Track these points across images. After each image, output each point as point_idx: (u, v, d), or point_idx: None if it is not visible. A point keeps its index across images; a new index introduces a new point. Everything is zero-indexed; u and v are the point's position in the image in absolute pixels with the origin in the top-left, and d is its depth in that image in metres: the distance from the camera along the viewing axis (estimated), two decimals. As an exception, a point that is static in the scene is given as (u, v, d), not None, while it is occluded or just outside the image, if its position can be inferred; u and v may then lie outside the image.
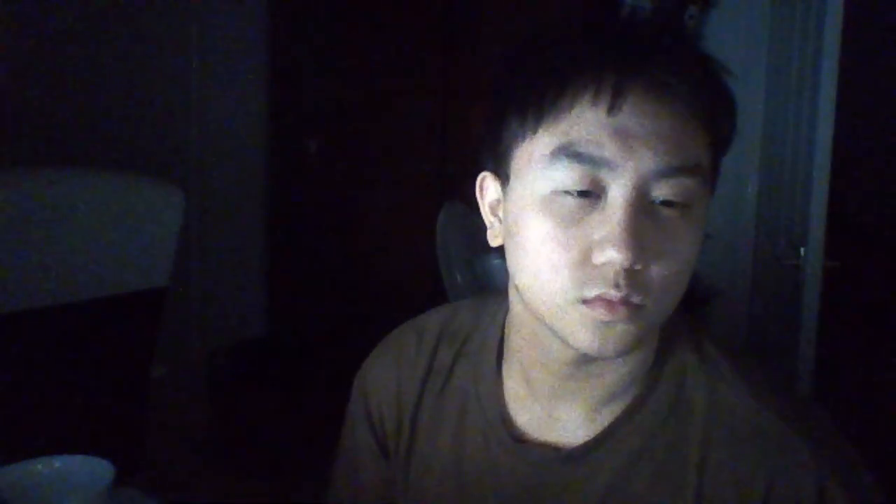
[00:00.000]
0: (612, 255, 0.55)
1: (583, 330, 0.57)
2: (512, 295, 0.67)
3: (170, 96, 2.56)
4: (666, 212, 0.57)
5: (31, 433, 1.31)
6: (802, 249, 1.89)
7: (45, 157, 2.09)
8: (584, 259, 0.56)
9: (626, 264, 0.55)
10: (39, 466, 0.87)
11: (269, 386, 2.64)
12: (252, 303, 2.91)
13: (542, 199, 0.58)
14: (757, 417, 0.60)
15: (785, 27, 2.16)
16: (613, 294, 0.56)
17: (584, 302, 0.57)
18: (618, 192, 0.56)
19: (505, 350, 0.71)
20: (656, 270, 0.56)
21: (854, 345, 2.67)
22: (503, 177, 0.63)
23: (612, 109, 0.56)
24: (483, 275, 1.68)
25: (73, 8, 2.29)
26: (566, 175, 0.57)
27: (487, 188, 0.67)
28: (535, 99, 0.58)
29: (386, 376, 0.76)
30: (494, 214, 0.66)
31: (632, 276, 0.55)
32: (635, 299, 0.56)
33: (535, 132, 0.58)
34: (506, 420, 0.68)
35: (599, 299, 0.56)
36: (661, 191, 0.57)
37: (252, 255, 2.91)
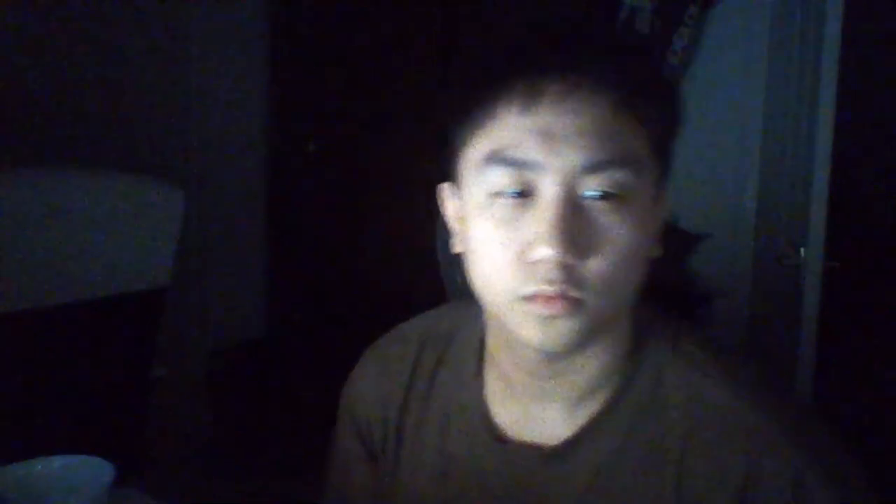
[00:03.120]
0: (543, 252, 0.57)
1: (527, 326, 0.59)
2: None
3: (170, 96, 2.56)
4: (599, 206, 0.58)
5: (31, 433, 1.31)
6: (802, 249, 1.89)
7: (45, 157, 2.09)
8: (521, 258, 0.58)
9: (557, 259, 0.56)
10: (39, 466, 0.87)
11: (269, 386, 2.64)
12: (252, 303, 2.91)
13: (480, 202, 0.61)
14: (735, 411, 0.61)
15: (785, 27, 2.16)
16: (550, 290, 0.57)
17: (525, 299, 0.58)
18: (546, 190, 0.58)
19: (486, 353, 0.72)
20: (594, 264, 0.58)
21: (854, 345, 2.66)
22: (456, 185, 0.65)
23: (528, 111, 0.58)
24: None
25: (73, 8, 2.28)
26: (498, 179, 0.59)
27: (447, 198, 0.69)
28: (466, 107, 0.61)
29: (371, 386, 0.78)
30: (460, 223, 0.67)
31: (567, 272, 0.57)
32: (573, 293, 0.57)
33: (470, 139, 0.61)
34: (487, 421, 0.69)
35: (537, 296, 0.58)
36: (590, 185, 0.58)
37: (252, 255, 2.91)
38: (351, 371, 0.82)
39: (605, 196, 0.58)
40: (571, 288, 0.57)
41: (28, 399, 1.45)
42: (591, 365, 0.64)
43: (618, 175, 0.58)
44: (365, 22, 2.68)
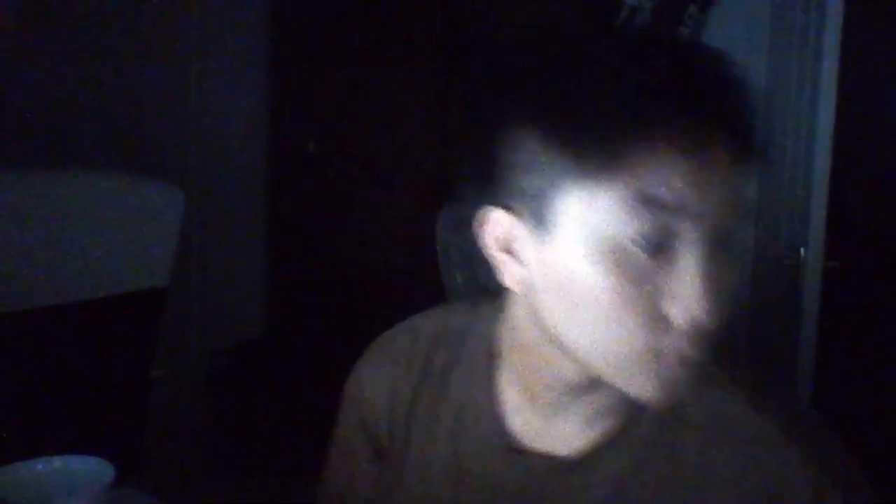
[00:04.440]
0: (687, 313, 0.52)
1: (648, 383, 0.54)
2: (517, 313, 0.64)
3: (170, 96, 2.56)
4: (728, 252, 0.54)
5: (31, 433, 1.31)
6: (802, 249, 1.89)
7: (45, 157, 2.09)
8: (654, 315, 0.52)
9: (707, 322, 0.52)
10: (39, 466, 0.87)
11: (269, 386, 2.64)
12: (252, 303, 2.91)
13: (606, 250, 0.52)
14: (755, 427, 0.59)
15: (785, 27, 2.16)
16: (686, 349, 0.53)
17: (647, 357, 0.53)
18: (693, 239, 0.52)
19: (502, 358, 0.69)
20: (719, 316, 0.54)
21: (854, 345, 2.66)
22: (534, 217, 0.55)
23: (690, 152, 0.51)
24: (483, 275, 1.67)
25: (73, 8, 2.28)
26: (638, 224, 0.51)
27: (496, 223, 0.59)
28: (599, 142, 0.51)
29: (380, 379, 0.75)
30: (507, 252, 0.59)
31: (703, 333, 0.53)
32: (694, 350, 0.53)
33: (598, 176, 0.52)
34: (502, 429, 0.67)
35: (663, 355, 0.53)
36: (726, 227, 0.53)
37: (252, 255, 2.91)
38: (355, 364, 0.79)
39: (733, 241, 0.54)
40: (700, 346, 0.53)
41: (28, 399, 1.45)
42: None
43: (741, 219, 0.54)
44: (365, 22, 2.68)
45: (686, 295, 0.52)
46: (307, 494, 0.89)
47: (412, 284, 2.45)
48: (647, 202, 0.51)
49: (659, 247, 0.52)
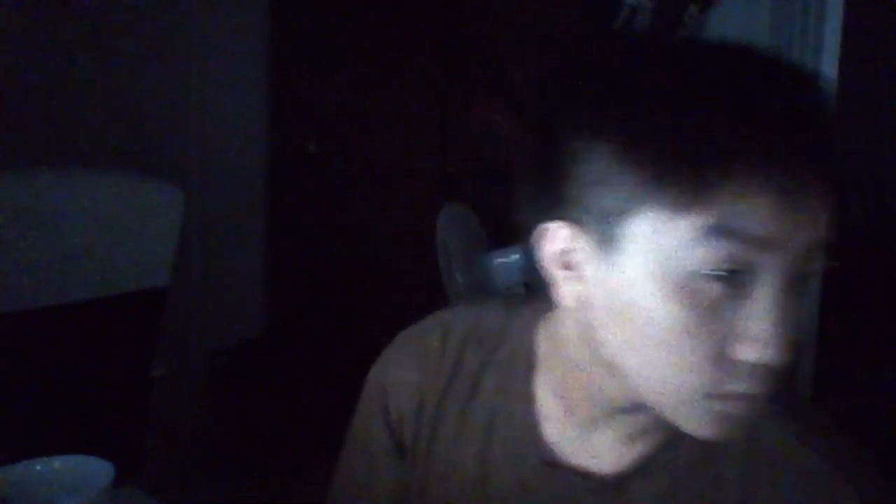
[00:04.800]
0: (759, 353, 0.49)
1: (704, 423, 0.52)
2: (567, 327, 0.61)
3: (170, 96, 2.56)
4: (802, 291, 0.51)
5: (31, 433, 1.31)
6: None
7: (45, 157, 2.09)
8: (722, 353, 0.49)
9: (775, 363, 0.49)
10: (39, 466, 0.87)
11: (269, 386, 2.64)
12: (252, 303, 2.91)
13: (675, 278, 0.49)
14: (800, 459, 0.58)
15: (785, 27, 2.16)
16: (749, 389, 0.50)
17: (712, 397, 0.51)
18: (771, 275, 0.49)
19: (540, 366, 0.66)
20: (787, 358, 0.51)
21: (854, 345, 2.66)
22: (600, 235, 0.52)
23: (779, 182, 0.47)
24: (483, 275, 1.68)
25: (73, 8, 2.28)
26: (715, 255, 0.48)
27: (557, 237, 0.56)
28: (681, 164, 0.48)
29: (407, 372, 0.71)
30: (566, 267, 0.56)
31: (768, 371, 0.50)
32: (764, 389, 0.51)
33: (676, 200, 0.48)
34: (536, 439, 0.65)
35: (729, 395, 0.50)
36: (807, 265, 0.50)
37: (252, 255, 2.91)
38: (348, 373, 0.77)
39: (808, 276, 0.50)
40: (766, 384, 0.51)
41: (28, 399, 1.45)
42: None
43: (825, 252, 0.50)
44: (365, 22, 2.68)
45: (757, 334, 0.49)
46: (307, 494, 0.89)
47: (412, 284, 2.45)
48: (727, 234, 0.47)
49: (734, 281, 0.49)
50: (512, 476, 0.65)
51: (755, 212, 0.47)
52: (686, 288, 0.49)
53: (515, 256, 1.62)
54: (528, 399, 0.66)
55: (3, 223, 1.40)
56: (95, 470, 0.86)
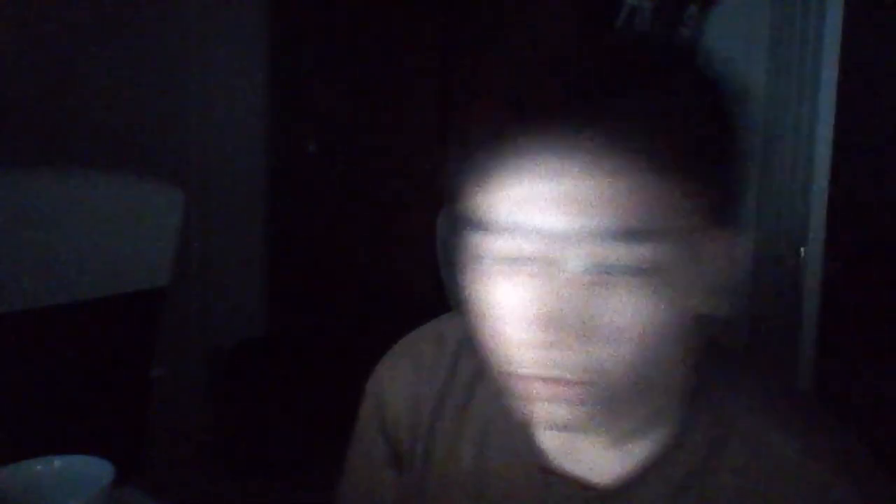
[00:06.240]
0: (531, 335, 0.51)
1: (526, 402, 0.54)
2: None
3: (170, 96, 2.56)
4: (612, 281, 0.50)
5: (31, 433, 1.31)
6: (802, 249, 1.89)
7: (45, 157, 2.09)
8: (516, 334, 0.52)
9: (544, 345, 0.50)
10: (39, 466, 0.87)
11: (269, 386, 2.64)
12: (252, 303, 2.91)
13: (486, 262, 0.53)
14: (803, 465, 0.56)
15: (785, 27, 2.16)
16: (545, 373, 0.51)
17: (523, 378, 0.53)
18: (543, 263, 0.50)
19: None
20: (599, 348, 0.51)
21: (854, 345, 2.66)
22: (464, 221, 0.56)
23: (528, 177, 0.49)
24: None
25: (73, 8, 2.28)
26: (501, 245, 0.51)
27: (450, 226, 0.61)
28: (469, 163, 0.53)
29: (403, 383, 0.72)
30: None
31: (566, 356, 0.51)
32: (577, 377, 0.51)
33: (455, 201, 0.54)
34: (531, 447, 0.64)
35: (534, 377, 0.52)
36: (594, 257, 0.49)
37: (252, 255, 2.91)
38: (349, 373, 0.77)
39: (614, 270, 0.50)
40: (573, 372, 0.51)
41: (28, 399, 1.45)
42: (642, 406, 0.58)
43: (637, 249, 0.49)
44: (365, 22, 2.68)
45: (528, 317, 0.52)
46: (307, 495, 0.89)
47: (412, 284, 2.45)
48: (484, 225, 0.52)
49: (520, 267, 0.52)
50: (508, 486, 0.65)
51: (515, 206, 0.50)
52: (489, 270, 0.53)
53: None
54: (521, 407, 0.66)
55: (3, 223, 1.40)
56: (95, 470, 0.86)
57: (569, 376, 0.51)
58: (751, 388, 0.60)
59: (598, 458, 0.61)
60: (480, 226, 0.52)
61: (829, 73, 1.82)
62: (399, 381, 0.72)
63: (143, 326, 1.65)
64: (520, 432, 0.65)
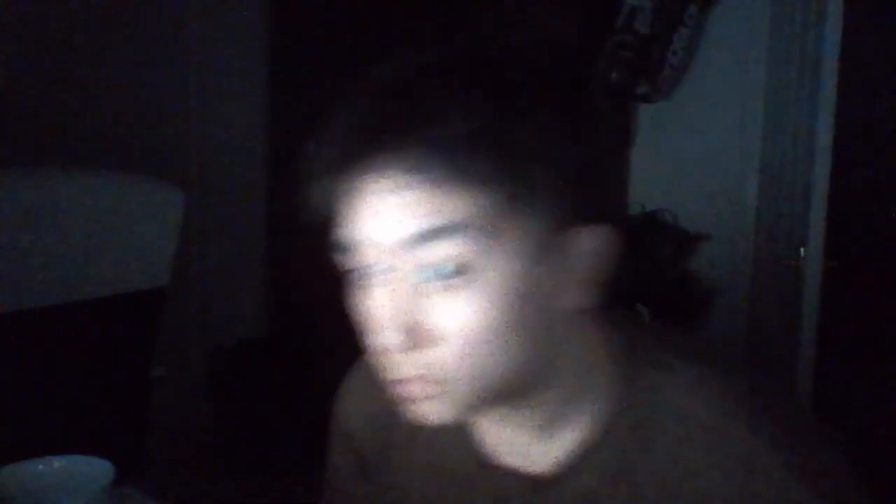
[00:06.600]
0: (381, 340, 0.55)
1: (407, 404, 0.58)
2: None
3: (170, 96, 2.56)
4: (438, 282, 0.54)
5: (31, 433, 1.31)
6: (802, 249, 1.90)
7: (45, 157, 2.09)
8: (379, 341, 0.56)
9: (392, 348, 0.55)
10: (39, 466, 0.88)
11: (268, 386, 2.64)
12: (252, 303, 2.91)
13: (349, 278, 0.61)
14: (726, 433, 0.57)
15: (785, 26, 2.16)
16: (400, 374, 0.56)
17: (395, 382, 0.57)
18: (375, 274, 0.57)
19: None
20: (442, 349, 0.54)
21: (854, 345, 2.66)
22: None
23: (357, 196, 0.56)
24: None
25: (73, 8, 2.28)
26: (343, 259, 0.60)
27: None
28: (320, 194, 0.62)
29: (358, 406, 0.76)
30: None
31: (413, 357, 0.54)
32: (430, 376, 0.55)
33: (333, 218, 0.61)
34: (472, 442, 0.67)
35: (401, 380, 0.56)
36: (417, 261, 0.54)
37: (252, 255, 2.91)
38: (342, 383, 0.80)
39: (437, 271, 0.53)
40: (429, 369, 0.55)
41: (28, 399, 1.45)
42: (552, 393, 0.60)
43: (445, 246, 0.52)
44: (365, 21, 2.68)
45: (375, 324, 0.57)
46: (307, 495, 0.89)
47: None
48: (338, 243, 0.60)
49: (361, 277, 0.59)
50: (451, 482, 0.68)
51: (347, 223, 0.57)
52: (350, 291, 0.61)
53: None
54: None
55: (3, 223, 1.40)
56: (95, 470, 0.86)
57: (425, 373, 0.55)
58: (682, 368, 0.61)
59: (530, 449, 0.63)
60: (336, 246, 0.59)
61: (829, 73, 1.82)
62: (355, 400, 0.77)
63: (143, 326, 1.65)
64: (459, 431, 0.68)
